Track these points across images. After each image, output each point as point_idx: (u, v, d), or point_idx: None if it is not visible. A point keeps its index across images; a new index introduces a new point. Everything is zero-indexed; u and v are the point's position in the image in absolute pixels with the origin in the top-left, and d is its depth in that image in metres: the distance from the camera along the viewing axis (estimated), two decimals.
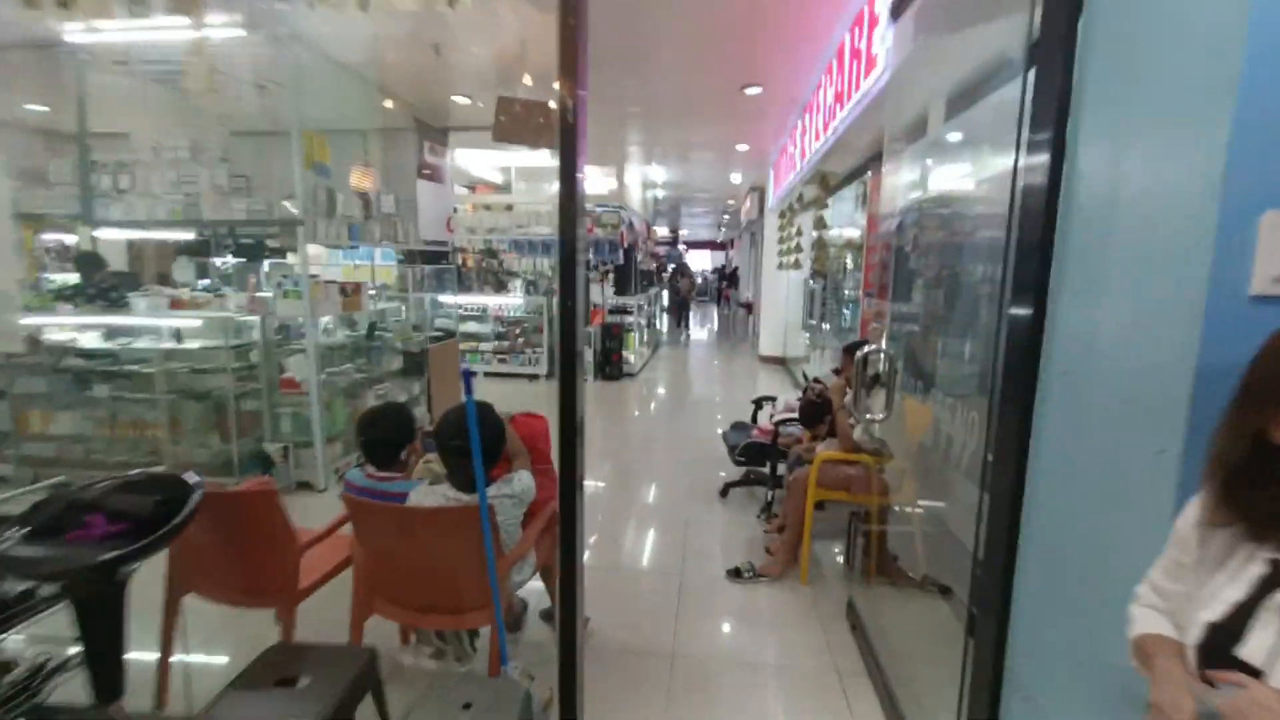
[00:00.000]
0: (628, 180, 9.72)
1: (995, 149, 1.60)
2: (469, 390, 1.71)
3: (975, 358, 2.28)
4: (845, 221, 6.73)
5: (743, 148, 7.54)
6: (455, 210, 6.26)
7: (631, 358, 8.74)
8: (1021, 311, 1.44)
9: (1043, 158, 1.35)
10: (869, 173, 5.03)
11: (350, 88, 4.69)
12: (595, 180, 9.64)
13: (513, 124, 4.48)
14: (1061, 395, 1.37)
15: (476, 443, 1.74)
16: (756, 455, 3.96)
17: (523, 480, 2.00)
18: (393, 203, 5.15)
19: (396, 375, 5.50)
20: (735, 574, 3.14)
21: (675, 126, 6.54)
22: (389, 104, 4.97)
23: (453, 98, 5.33)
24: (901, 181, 2.46)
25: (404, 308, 6.19)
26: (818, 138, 4.71)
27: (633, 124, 6.61)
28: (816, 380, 4.25)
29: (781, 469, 3.83)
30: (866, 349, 2.50)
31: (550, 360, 8.29)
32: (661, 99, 5.43)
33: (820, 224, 6.00)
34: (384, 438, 2.14)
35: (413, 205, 5.47)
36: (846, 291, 6.66)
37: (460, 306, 8.02)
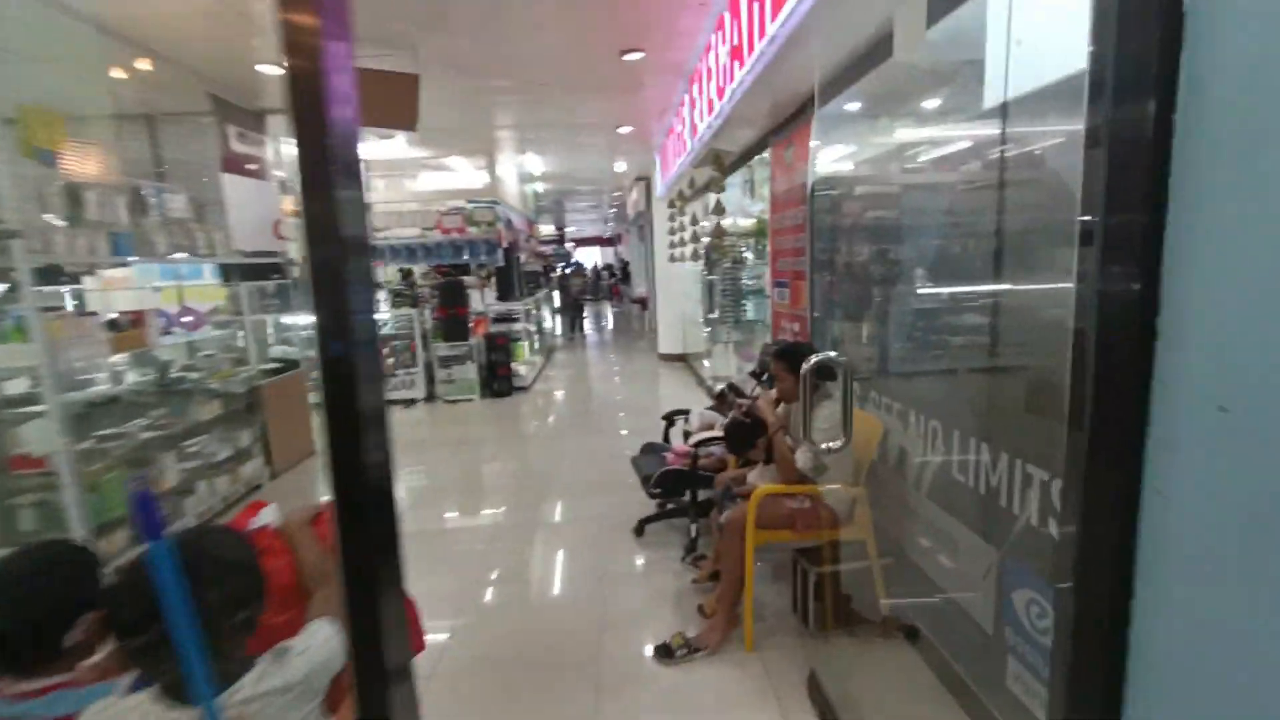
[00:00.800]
0: (502, 173, 8.79)
1: (1037, 35, 1.00)
2: (151, 530, 0.88)
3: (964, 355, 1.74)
4: (734, 209, 6.27)
5: (626, 129, 6.88)
6: (288, 215, 5.07)
7: (522, 369, 7.89)
8: (1114, 298, 0.82)
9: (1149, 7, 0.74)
10: (766, 150, 4.53)
11: (98, 48, 3.47)
12: (466, 173, 8.65)
13: (381, 104, 3.57)
14: (1215, 447, 0.76)
15: (184, 621, 0.90)
16: (674, 484, 3.30)
17: (313, 651, 1.15)
18: (184, 204, 3.98)
19: (216, 424, 4.33)
20: (665, 653, 2.45)
21: (550, 104, 5.75)
22: (146, 65, 3.75)
23: (259, 68, 4.20)
24: (849, 133, 1.87)
25: (242, 334, 4.98)
26: (710, 109, 4.13)
27: (502, 104, 5.75)
28: (734, 389, 3.67)
29: (703, 494, 3.21)
30: (816, 358, 1.89)
31: (429, 381, 7.32)
32: (532, 67, 4.62)
33: (718, 209, 5.47)
34: (23, 620, 1.04)
35: (218, 207, 4.29)
36: (746, 282, 6.21)
37: (306, 329, 6.77)
